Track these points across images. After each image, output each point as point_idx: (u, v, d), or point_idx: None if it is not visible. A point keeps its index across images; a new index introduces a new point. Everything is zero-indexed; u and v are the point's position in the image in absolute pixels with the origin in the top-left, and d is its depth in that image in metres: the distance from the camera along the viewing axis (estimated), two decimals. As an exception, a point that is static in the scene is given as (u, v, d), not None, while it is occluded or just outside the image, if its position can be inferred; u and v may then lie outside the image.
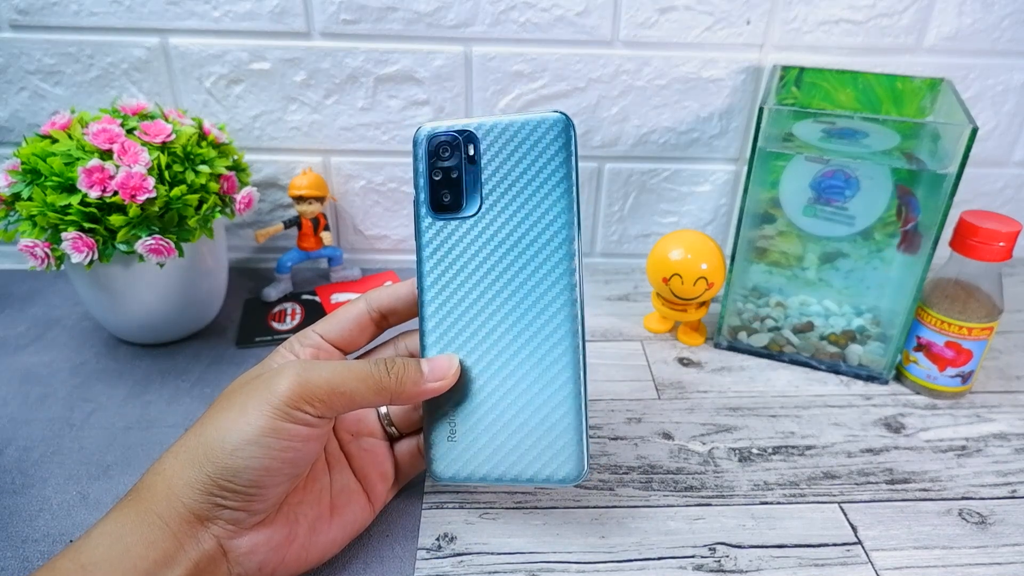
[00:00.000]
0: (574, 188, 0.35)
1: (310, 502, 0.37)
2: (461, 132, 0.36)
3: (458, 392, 0.37)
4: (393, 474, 0.41)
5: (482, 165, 0.36)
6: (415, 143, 0.37)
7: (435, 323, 0.37)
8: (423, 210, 0.37)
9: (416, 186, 0.37)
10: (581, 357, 0.36)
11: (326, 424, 0.34)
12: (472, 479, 0.37)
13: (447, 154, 0.36)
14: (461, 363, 0.37)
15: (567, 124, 0.35)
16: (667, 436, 0.49)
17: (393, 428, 0.42)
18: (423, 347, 0.37)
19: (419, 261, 0.37)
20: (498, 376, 0.36)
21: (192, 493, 0.32)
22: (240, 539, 0.33)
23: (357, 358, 0.41)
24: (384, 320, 0.40)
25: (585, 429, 0.36)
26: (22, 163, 0.49)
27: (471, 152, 0.36)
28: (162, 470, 0.33)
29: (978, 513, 0.43)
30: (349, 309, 0.39)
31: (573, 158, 0.35)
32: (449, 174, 0.36)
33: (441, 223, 0.37)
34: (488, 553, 0.40)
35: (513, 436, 0.36)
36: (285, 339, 0.58)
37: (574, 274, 0.35)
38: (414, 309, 0.40)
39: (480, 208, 0.36)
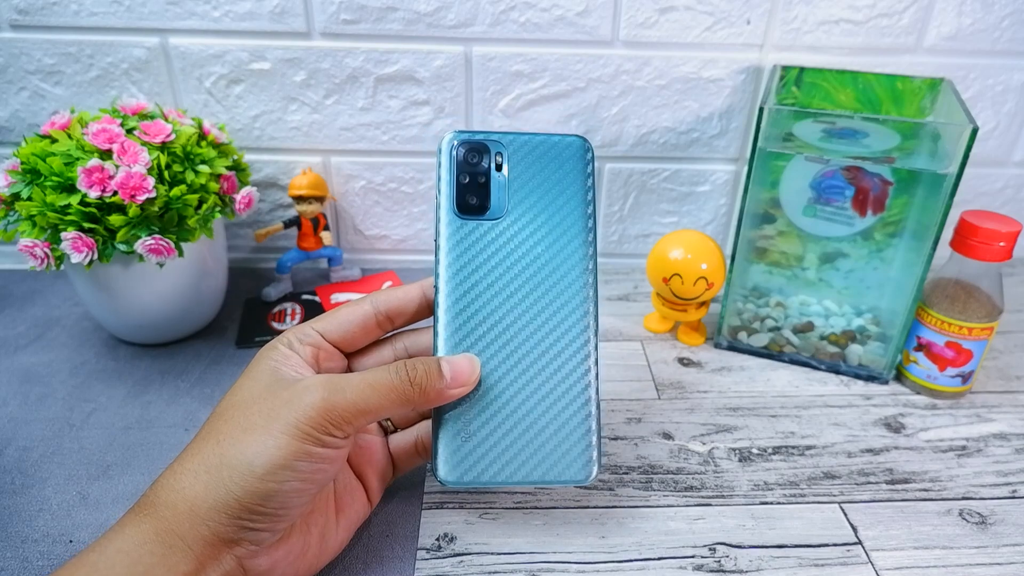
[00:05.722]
0: (591, 204, 0.38)
1: (320, 510, 0.36)
2: (490, 140, 0.38)
3: (473, 394, 0.36)
4: (390, 470, 0.41)
5: (509, 173, 0.38)
6: (441, 148, 0.38)
7: (452, 320, 0.37)
8: (447, 210, 0.38)
9: (440, 187, 0.38)
10: (594, 357, 0.37)
11: (351, 441, 0.34)
12: (481, 482, 0.36)
13: (475, 159, 0.38)
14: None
15: (587, 146, 0.38)
16: (667, 436, 0.49)
17: (388, 422, 0.42)
18: (438, 344, 0.37)
19: (438, 259, 0.38)
20: (514, 377, 0.37)
21: (218, 517, 0.31)
22: (260, 558, 0.33)
23: (355, 353, 0.40)
24: (390, 323, 0.39)
25: (598, 430, 0.36)
26: (22, 163, 0.49)
27: (499, 160, 0.38)
28: (181, 488, 0.31)
29: (978, 513, 0.43)
30: (354, 310, 0.38)
31: (591, 178, 0.38)
32: (477, 178, 0.38)
33: (465, 223, 0.38)
34: (488, 553, 0.40)
35: (527, 438, 0.36)
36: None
37: (589, 281, 0.37)
38: (423, 312, 0.39)
39: (505, 212, 0.38)
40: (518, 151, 0.38)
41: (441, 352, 0.36)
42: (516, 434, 0.36)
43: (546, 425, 0.36)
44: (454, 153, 0.38)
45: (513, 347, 0.37)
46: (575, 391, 0.36)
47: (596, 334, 0.37)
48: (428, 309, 0.39)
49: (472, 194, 0.38)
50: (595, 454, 0.36)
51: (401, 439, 0.42)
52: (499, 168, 0.38)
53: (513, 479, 0.36)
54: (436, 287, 0.37)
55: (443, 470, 0.36)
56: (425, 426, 0.42)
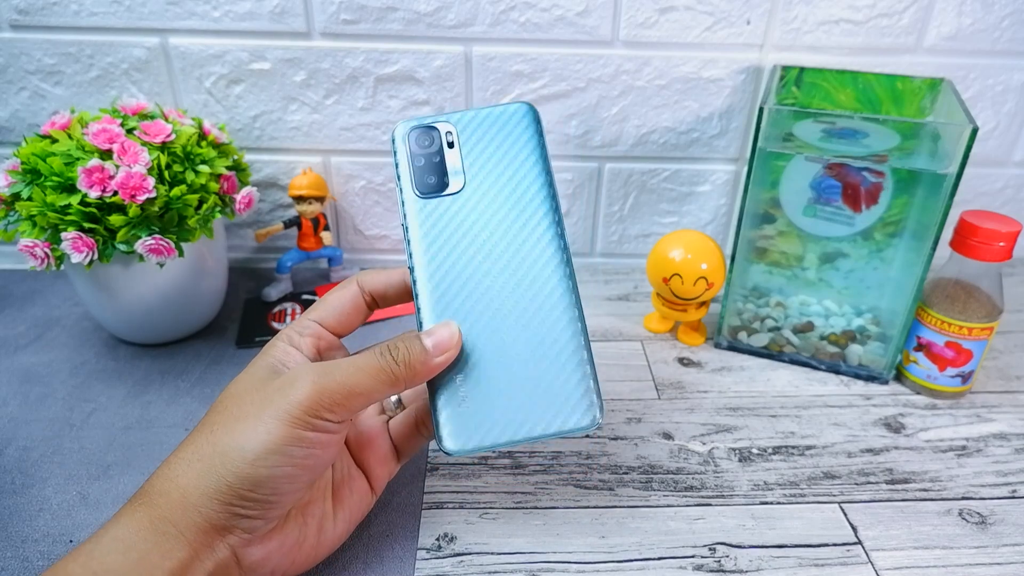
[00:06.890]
0: (544, 160, 0.40)
1: (317, 501, 0.36)
2: (438, 121, 0.40)
3: (463, 358, 0.37)
4: (393, 456, 0.41)
5: (461, 148, 0.40)
6: (395, 138, 0.40)
7: (431, 296, 0.37)
8: (409, 192, 0.39)
9: (399, 174, 0.39)
10: (576, 303, 0.37)
11: (345, 427, 0.34)
12: (488, 445, 0.36)
13: (427, 142, 0.40)
14: (462, 329, 0.37)
15: (531, 110, 0.40)
16: (667, 436, 0.49)
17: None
18: (421, 320, 0.37)
19: (408, 241, 0.39)
20: (500, 335, 0.37)
21: (210, 503, 0.31)
22: (254, 547, 0.33)
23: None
24: (374, 303, 0.40)
25: (593, 373, 0.36)
26: (22, 163, 0.49)
27: (449, 139, 0.40)
28: (175, 477, 0.32)
29: (978, 513, 0.43)
30: (343, 292, 0.39)
31: (540, 137, 0.40)
32: (431, 158, 0.40)
33: (428, 202, 0.39)
34: (488, 553, 0.40)
35: (524, 393, 0.36)
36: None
37: (557, 232, 0.38)
38: (404, 295, 0.40)
39: (464, 185, 0.39)
40: (467, 126, 0.40)
41: (426, 327, 0.37)
42: (512, 391, 0.36)
43: (541, 377, 0.36)
44: (406, 139, 0.40)
45: (495, 309, 0.37)
46: (564, 339, 0.37)
47: (573, 280, 0.37)
48: (409, 291, 0.40)
49: (430, 174, 0.39)
50: (595, 398, 0.36)
51: (400, 421, 0.41)
52: (451, 145, 0.40)
53: (518, 436, 0.36)
54: (411, 268, 0.38)
55: (448, 441, 0.36)
56: (422, 402, 0.42)
